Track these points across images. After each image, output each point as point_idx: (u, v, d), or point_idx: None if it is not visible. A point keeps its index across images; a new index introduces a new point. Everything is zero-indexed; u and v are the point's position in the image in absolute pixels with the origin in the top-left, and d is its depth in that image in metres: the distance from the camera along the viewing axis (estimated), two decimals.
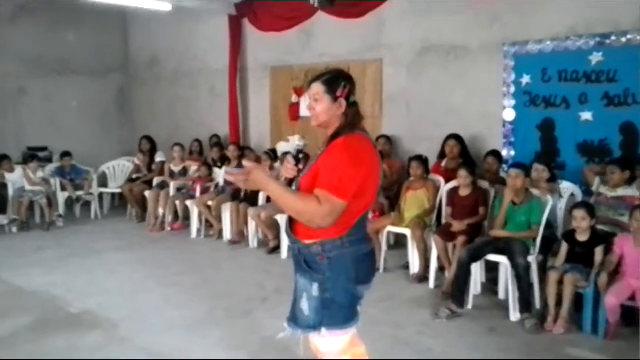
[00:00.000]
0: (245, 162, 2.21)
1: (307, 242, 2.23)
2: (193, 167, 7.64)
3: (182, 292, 4.95)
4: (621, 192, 4.49)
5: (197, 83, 8.97)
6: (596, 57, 5.17)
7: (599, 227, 4.29)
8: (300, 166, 2.39)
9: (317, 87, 2.26)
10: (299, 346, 2.42)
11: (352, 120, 2.25)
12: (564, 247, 4.20)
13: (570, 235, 4.21)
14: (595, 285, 3.92)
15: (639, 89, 4.95)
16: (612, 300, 3.79)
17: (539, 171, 4.93)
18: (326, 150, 2.22)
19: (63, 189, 7.99)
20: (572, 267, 4.07)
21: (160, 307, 4.61)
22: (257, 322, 4.24)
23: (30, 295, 4.93)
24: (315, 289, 2.23)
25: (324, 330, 2.25)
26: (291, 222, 2.31)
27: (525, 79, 5.64)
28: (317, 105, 2.26)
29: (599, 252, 4.06)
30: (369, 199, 2.24)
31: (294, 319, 2.35)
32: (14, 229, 7.34)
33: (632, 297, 3.81)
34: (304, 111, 7.64)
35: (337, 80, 2.26)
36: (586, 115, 5.25)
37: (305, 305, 2.27)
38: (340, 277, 2.22)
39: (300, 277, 2.31)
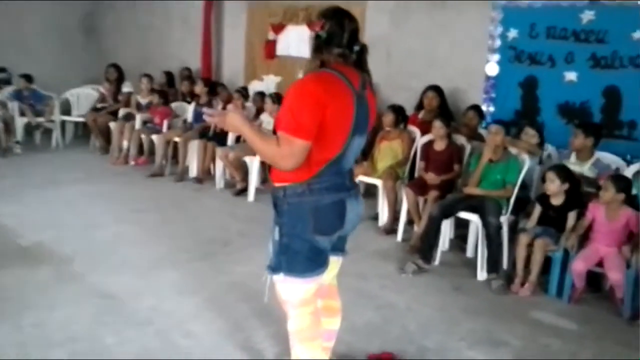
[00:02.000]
0: (228, 107, 2.13)
1: (276, 184, 2.19)
2: (162, 100, 7.28)
3: (140, 230, 4.75)
4: (588, 170, 4.31)
5: (170, 12, 8.52)
6: (588, 15, 4.97)
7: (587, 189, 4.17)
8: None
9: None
10: (265, 291, 2.33)
11: (315, 56, 2.16)
12: (537, 210, 4.11)
13: (544, 198, 4.11)
14: (565, 251, 3.85)
15: (628, 51, 4.79)
16: (580, 265, 3.73)
17: (529, 136, 4.77)
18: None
19: (22, 114, 7.58)
20: (543, 230, 3.98)
21: (116, 245, 4.41)
22: (216, 266, 4.08)
23: None
24: (276, 232, 2.21)
25: (282, 275, 2.22)
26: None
27: (512, 33, 5.42)
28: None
29: (571, 216, 3.98)
30: (336, 145, 2.10)
31: (268, 259, 2.31)
32: None
33: (600, 264, 3.76)
34: (280, 49, 7.33)
35: (318, 16, 2.18)
36: (570, 76, 5.09)
37: (270, 247, 2.26)
38: (297, 225, 2.16)
39: (273, 218, 2.26)
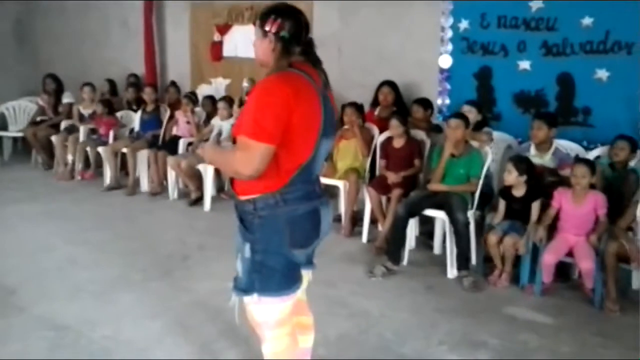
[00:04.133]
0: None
1: (242, 197, 2.02)
2: (107, 109, 6.91)
3: (92, 250, 4.46)
4: (549, 161, 4.26)
5: (108, 15, 8.12)
6: (536, 4, 4.95)
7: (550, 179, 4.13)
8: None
9: (257, 22, 2.08)
10: (234, 313, 2.15)
11: (280, 57, 2.01)
12: (502, 204, 4.05)
13: (506, 191, 4.06)
14: (534, 245, 3.81)
15: (578, 38, 4.80)
16: (550, 257, 3.69)
17: (465, 112, 4.69)
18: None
19: None
20: (510, 226, 3.92)
21: (66, 268, 4.11)
22: (176, 285, 3.85)
23: None
24: (247, 249, 2.02)
25: (256, 296, 2.04)
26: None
27: (463, 24, 5.37)
28: (255, 42, 2.09)
29: (535, 206, 3.93)
30: (306, 149, 1.97)
31: (235, 279, 2.12)
32: None
33: (569, 253, 3.73)
34: (227, 51, 7.09)
35: (269, 14, 2.03)
36: (524, 64, 5.07)
37: (239, 266, 2.08)
38: (272, 240, 2.00)
39: (238, 234, 2.08)
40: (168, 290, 3.76)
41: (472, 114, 4.68)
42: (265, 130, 1.85)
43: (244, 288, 2.05)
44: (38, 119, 7.50)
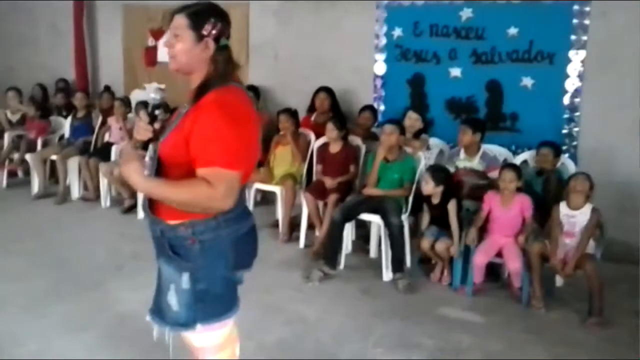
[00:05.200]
0: (124, 146, 1.83)
1: (172, 222, 1.80)
2: (34, 115, 6.64)
3: (18, 262, 4.27)
4: (477, 165, 4.40)
5: (35, 19, 7.80)
6: (466, 13, 5.13)
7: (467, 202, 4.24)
8: (157, 125, 1.90)
9: (180, 20, 1.80)
10: (168, 341, 1.97)
11: (224, 69, 1.81)
12: (426, 211, 4.16)
13: (426, 198, 4.17)
14: (466, 247, 3.93)
15: (505, 47, 5.00)
16: (481, 258, 3.82)
17: (412, 119, 4.84)
18: (193, 109, 1.75)
19: None
20: (439, 232, 4.05)
21: None
22: (109, 296, 3.74)
23: None
24: (185, 280, 1.82)
25: (199, 326, 1.86)
26: (150, 197, 1.86)
27: (397, 32, 5.49)
28: (177, 43, 1.80)
29: (451, 207, 4.00)
30: (249, 167, 1.83)
31: (159, 312, 1.92)
32: None
33: (499, 254, 3.87)
34: (162, 56, 6.95)
35: (206, 15, 1.80)
36: (455, 72, 5.24)
37: (173, 300, 1.86)
38: (217, 264, 1.84)
39: (165, 265, 1.88)
40: (100, 302, 3.64)
41: (419, 122, 4.82)
42: (237, 156, 1.70)
43: (183, 322, 1.87)
44: None
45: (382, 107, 5.65)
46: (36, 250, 4.53)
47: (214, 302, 1.86)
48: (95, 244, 4.76)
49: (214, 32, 1.80)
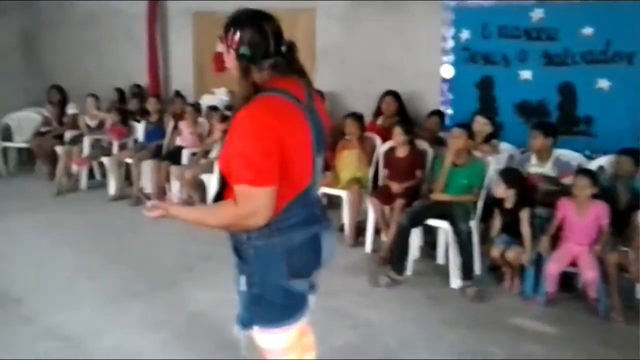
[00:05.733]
0: (154, 203, 1.86)
1: None
2: (110, 121, 6.96)
3: (97, 260, 4.48)
4: (549, 170, 4.25)
5: (112, 28, 8.16)
6: (537, 14, 4.99)
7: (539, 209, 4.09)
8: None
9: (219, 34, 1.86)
10: (239, 339, 2.00)
11: (243, 79, 1.77)
12: (497, 217, 4.06)
13: (498, 203, 4.07)
14: (538, 255, 3.82)
15: (579, 48, 4.83)
16: (554, 267, 3.70)
17: (481, 124, 4.76)
18: (231, 123, 1.77)
19: None
20: (510, 239, 3.95)
21: (71, 279, 4.14)
22: (180, 295, 3.87)
23: None
24: (242, 282, 1.88)
25: (257, 328, 1.91)
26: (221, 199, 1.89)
27: (465, 34, 5.40)
28: (224, 56, 1.85)
29: (524, 216, 3.90)
30: (304, 176, 1.81)
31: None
32: None
33: (573, 263, 3.73)
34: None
35: (229, 25, 1.81)
36: (525, 74, 5.10)
37: (237, 299, 1.95)
38: (269, 271, 1.84)
39: (234, 265, 1.95)
40: (173, 301, 3.77)
41: (487, 127, 4.74)
42: (264, 172, 1.67)
43: (245, 322, 1.94)
44: (43, 129, 7.54)
45: (449, 111, 5.57)
46: (112, 250, 4.74)
47: (269, 308, 1.87)
48: (167, 245, 4.92)
49: (234, 41, 1.78)
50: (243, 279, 1.87)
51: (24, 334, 3.31)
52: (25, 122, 7.85)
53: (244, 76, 1.78)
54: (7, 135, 7.80)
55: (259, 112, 1.69)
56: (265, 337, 1.94)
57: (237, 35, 1.77)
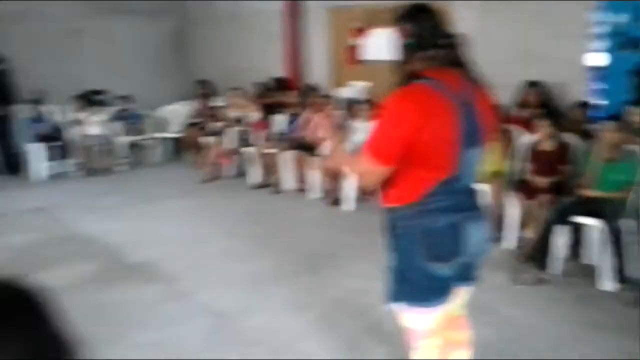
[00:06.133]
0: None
1: (387, 205, 2.05)
2: (253, 113, 7.35)
3: (243, 244, 4.78)
4: None
5: (253, 25, 8.60)
6: None
7: None
8: None
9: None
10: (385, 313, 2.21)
11: (402, 66, 1.95)
12: None
13: None
14: None
15: None
16: None
17: (635, 115, 4.41)
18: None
19: (123, 133, 7.92)
20: None
21: (221, 260, 4.45)
22: (323, 281, 4.01)
23: (91, 242, 4.88)
24: (392, 258, 2.07)
25: (403, 304, 2.07)
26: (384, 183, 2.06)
27: (617, 19, 5.04)
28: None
29: None
30: (444, 164, 1.88)
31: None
32: (77, 174, 7.39)
33: None
34: (366, 54, 7.21)
35: (397, 20, 1.97)
36: None
37: (388, 273, 2.11)
38: (411, 251, 1.98)
39: (389, 242, 2.11)
40: (315, 286, 3.93)
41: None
42: (383, 151, 1.89)
43: (390, 296, 2.09)
44: (192, 121, 8.13)
45: (599, 102, 5.23)
46: (257, 235, 5.02)
47: (411, 286, 2.02)
48: (308, 232, 5.12)
49: (402, 33, 1.95)
50: (392, 256, 2.06)
51: (182, 309, 3.62)
52: (177, 114, 8.52)
53: (400, 65, 1.96)
54: (161, 126, 8.50)
55: (398, 99, 1.88)
56: (408, 316, 2.09)
57: (404, 27, 1.93)
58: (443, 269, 1.97)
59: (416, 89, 1.86)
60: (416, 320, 2.08)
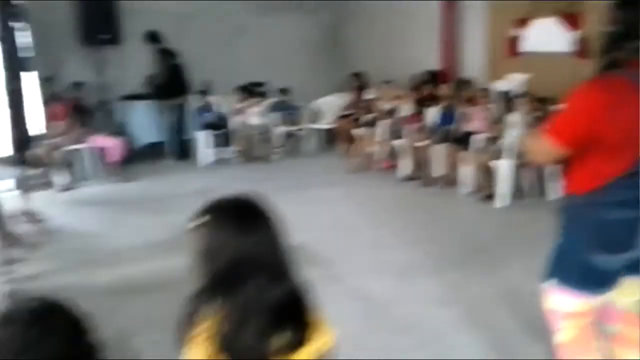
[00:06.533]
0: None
1: (565, 192, 2.09)
2: (405, 105, 7.40)
3: (392, 234, 4.87)
4: None
5: (410, 17, 8.60)
6: None
7: None
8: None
9: None
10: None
11: (601, 55, 1.92)
12: None
13: None
14: None
15: None
16: None
17: None
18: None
19: (280, 123, 8.38)
20: None
21: (371, 248, 4.58)
22: (472, 276, 3.98)
23: None
24: (560, 238, 2.08)
25: (555, 280, 2.06)
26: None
27: None
28: None
29: None
30: (621, 156, 1.86)
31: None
32: (237, 160, 7.97)
33: None
34: (525, 46, 6.91)
35: (609, 8, 1.92)
36: None
37: (551, 252, 2.12)
38: (579, 238, 1.99)
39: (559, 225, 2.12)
40: (464, 280, 3.91)
41: None
42: (560, 132, 1.95)
43: (549, 271, 2.10)
44: (345, 113, 8.37)
45: None
46: (405, 226, 5.09)
47: (568, 267, 2.03)
48: (457, 226, 5.10)
49: (607, 21, 1.91)
50: (559, 233, 2.07)
51: (334, 292, 3.77)
52: (330, 106, 8.82)
53: (600, 54, 1.95)
54: (315, 117, 8.86)
55: (586, 88, 1.91)
56: (554, 297, 2.08)
57: (608, 13, 1.91)
58: (608, 262, 1.96)
59: (609, 81, 1.87)
60: (562, 301, 2.06)
